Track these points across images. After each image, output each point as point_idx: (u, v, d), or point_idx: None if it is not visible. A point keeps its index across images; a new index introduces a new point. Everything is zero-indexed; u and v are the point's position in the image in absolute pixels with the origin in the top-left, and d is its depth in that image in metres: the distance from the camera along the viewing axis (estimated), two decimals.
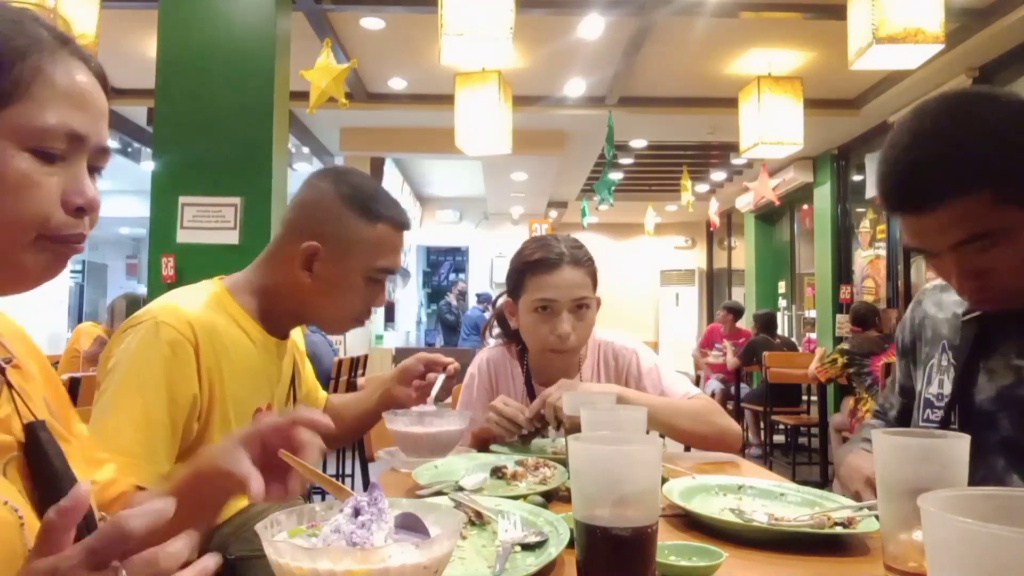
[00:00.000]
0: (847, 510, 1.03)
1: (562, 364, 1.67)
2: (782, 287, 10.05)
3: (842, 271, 7.85)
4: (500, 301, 1.77)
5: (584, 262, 1.62)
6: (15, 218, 0.65)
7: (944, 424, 1.12)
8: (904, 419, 1.33)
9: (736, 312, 8.01)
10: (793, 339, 8.29)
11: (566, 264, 1.59)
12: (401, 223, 1.27)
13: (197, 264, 3.63)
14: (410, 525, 0.66)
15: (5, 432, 0.67)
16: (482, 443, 1.58)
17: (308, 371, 1.53)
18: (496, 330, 1.82)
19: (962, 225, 0.91)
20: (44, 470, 0.66)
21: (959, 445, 0.76)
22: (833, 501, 1.11)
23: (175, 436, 1.09)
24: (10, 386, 0.70)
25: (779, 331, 7.72)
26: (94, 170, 0.71)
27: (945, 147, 0.91)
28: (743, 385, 6.86)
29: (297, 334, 1.43)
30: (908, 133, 0.96)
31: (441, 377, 1.47)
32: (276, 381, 1.30)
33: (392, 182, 9.36)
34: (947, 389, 1.15)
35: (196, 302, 1.18)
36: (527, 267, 1.62)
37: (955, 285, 1.02)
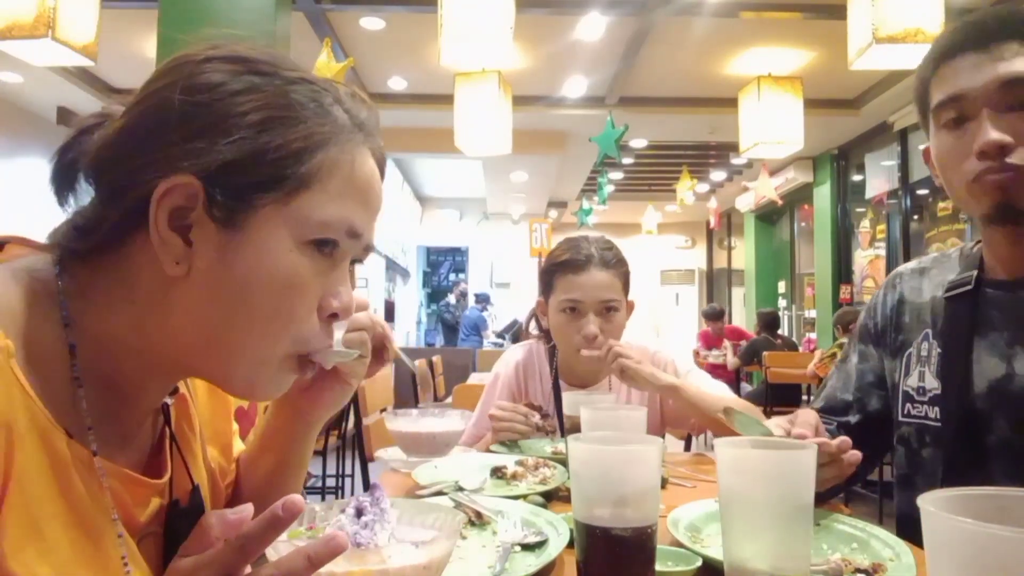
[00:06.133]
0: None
1: (593, 364, 1.62)
2: (782, 287, 10.06)
3: (842, 271, 7.86)
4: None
5: (613, 264, 1.63)
6: (274, 326, 0.58)
7: (944, 424, 1.04)
8: (871, 419, 1.20)
9: (716, 314, 7.98)
10: (793, 339, 8.29)
11: (594, 266, 1.60)
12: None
13: None
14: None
15: (160, 498, 0.63)
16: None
17: None
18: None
19: (1015, 62, 0.95)
20: (174, 551, 0.63)
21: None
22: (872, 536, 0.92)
23: None
24: (173, 440, 0.66)
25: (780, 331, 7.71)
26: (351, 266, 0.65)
27: (1006, 10, 1.01)
28: (744, 384, 6.86)
29: None
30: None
31: None
32: None
33: (392, 182, 9.35)
34: (929, 382, 1.09)
35: None
36: (556, 267, 1.64)
37: (975, 156, 0.96)
